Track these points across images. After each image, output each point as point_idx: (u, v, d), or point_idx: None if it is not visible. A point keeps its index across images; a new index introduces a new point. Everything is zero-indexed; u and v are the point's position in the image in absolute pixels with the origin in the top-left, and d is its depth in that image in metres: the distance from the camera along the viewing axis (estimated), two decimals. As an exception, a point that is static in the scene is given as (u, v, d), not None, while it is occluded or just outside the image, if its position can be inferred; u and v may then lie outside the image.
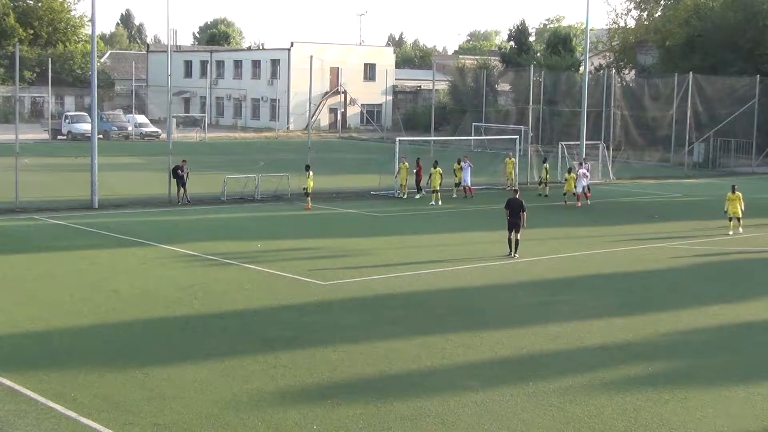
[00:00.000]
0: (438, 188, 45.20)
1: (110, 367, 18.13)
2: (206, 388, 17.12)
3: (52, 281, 25.96)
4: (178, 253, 30.77)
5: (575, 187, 45.88)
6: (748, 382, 18.41)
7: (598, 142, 61.09)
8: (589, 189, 47.13)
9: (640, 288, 27.50)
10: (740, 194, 37.11)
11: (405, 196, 47.14)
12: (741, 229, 37.10)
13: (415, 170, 47.83)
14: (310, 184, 42.67)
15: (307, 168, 43.07)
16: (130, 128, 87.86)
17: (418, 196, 47.27)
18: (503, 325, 22.30)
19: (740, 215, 37.05)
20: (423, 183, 47.16)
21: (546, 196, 49.39)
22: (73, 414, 15.59)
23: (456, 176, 48.39)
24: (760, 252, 33.92)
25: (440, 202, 44.87)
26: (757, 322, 23.61)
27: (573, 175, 46.35)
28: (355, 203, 45.31)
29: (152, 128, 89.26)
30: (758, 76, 70.92)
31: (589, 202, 46.75)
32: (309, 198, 42.75)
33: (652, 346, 20.96)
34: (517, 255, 31.15)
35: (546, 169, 50.29)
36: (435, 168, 45.35)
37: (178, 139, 71.11)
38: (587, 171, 47.90)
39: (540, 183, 51.04)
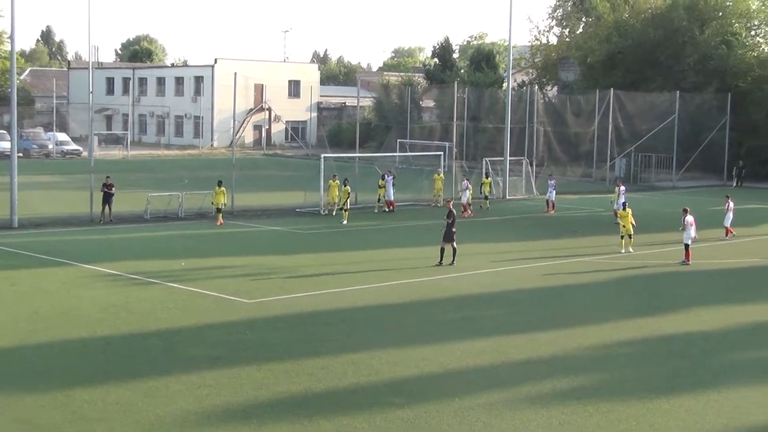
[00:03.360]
0: (346, 206, 44.79)
1: (30, 390, 17.79)
2: (129, 409, 16.88)
3: (-30, 303, 25.42)
4: (101, 273, 30.34)
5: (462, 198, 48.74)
6: (670, 394, 18.66)
7: (522, 157, 61.69)
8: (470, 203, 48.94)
9: (564, 302, 27.77)
10: (630, 210, 37.23)
11: (335, 213, 46.59)
12: (632, 249, 36.79)
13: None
14: (222, 199, 42.87)
15: (219, 183, 43.16)
16: (50, 146, 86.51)
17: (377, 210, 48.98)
18: (429, 341, 22.33)
19: (631, 232, 36.98)
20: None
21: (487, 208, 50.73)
22: (-9, 438, 15.28)
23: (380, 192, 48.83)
24: (680, 265, 34.41)
25: (345, 221, 44.11)
26: (679, 334, 23.94)
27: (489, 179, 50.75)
28: (280, 221, 45.07)
29: (73, 146, 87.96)
30: (678, 92, 72.18)
31: (470, 212, 48.18)
32: (220, 214, 43.01)
33: (577, 359, 21.15)
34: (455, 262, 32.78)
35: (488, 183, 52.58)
36: (345, 186, 45.10)
37: (100, 157, 70.15)
38: (468, 184, 49.61)
39: (486, 198, 51.82)
